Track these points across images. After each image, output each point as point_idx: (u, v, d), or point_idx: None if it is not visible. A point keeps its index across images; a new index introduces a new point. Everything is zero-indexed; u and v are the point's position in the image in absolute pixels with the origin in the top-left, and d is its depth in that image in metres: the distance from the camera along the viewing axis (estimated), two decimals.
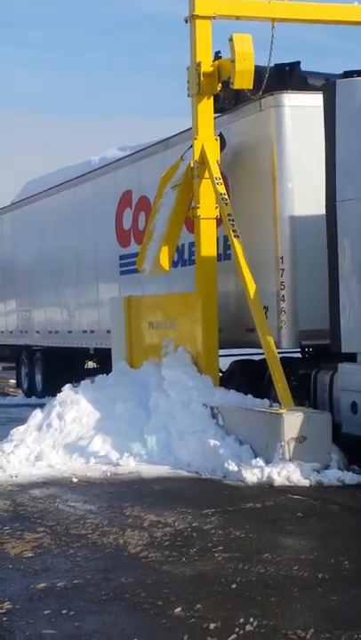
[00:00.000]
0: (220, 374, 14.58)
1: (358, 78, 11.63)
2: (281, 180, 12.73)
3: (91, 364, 20.81)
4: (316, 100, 12.12)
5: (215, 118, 13.73)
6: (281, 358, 12.80)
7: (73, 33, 52.52)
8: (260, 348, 12.35)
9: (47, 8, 54.55)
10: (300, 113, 12.67)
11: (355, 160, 11.29)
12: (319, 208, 11.77)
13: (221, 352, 13.64)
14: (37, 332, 21.63)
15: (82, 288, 19.26)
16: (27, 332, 22.34)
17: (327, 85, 11.71)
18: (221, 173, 13.58)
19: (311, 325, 12.44)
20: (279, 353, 12.59)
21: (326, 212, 11.62)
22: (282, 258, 12.63)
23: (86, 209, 19.01)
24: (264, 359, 12.52)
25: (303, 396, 12.15)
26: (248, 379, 13.30)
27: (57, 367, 20.47)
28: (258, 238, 13.10)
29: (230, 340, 13.57)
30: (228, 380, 13.89)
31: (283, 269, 12.61)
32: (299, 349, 13.13)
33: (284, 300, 12.60)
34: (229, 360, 14.39)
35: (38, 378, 21.58)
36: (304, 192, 12.53)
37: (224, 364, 14.42)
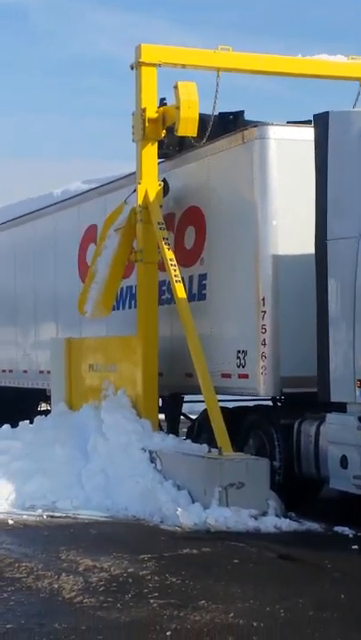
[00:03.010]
0: (191, 422, 14.08)
1: (352, 110, 10.91)
2: (264, 217, 12.00)
3: (45, 406, 20.32)
4: (303, 133, 11.82)
5: (195, 150, 13.49)
6: (260, 406, 12.44)
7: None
8: (237, 395, 12.13)
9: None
10: (286, 146, 11.98)
11: (349, 195, 10.60)
12: (305, 247, 11.15)
13: (193, 397, 13.36)
14: None
15: (40, 326, 18.54)
16: None
17: (320, 117, 10.97)
18: (197, 209, 13.41)
19: (294, 372, 11.63)
20: (253, 400, 12.32)
21: (316, 250, 10.91)
22: (263, 299, 11.86)
23: (46, 243, 18.24)
24: (239, 407, 12.25)
25: (285, 447, 11.55)
26: None
27: (9, 408, 19.96)
28: (238, 278, 12.42)
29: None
30: (199, 430, 13.07)
31: (264, 312, 11.81)
32: (270, 398, 12.37)
33: (265, 345, 11.77)
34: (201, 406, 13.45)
35: None
36: (289, 229, 11.84)
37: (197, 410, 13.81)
